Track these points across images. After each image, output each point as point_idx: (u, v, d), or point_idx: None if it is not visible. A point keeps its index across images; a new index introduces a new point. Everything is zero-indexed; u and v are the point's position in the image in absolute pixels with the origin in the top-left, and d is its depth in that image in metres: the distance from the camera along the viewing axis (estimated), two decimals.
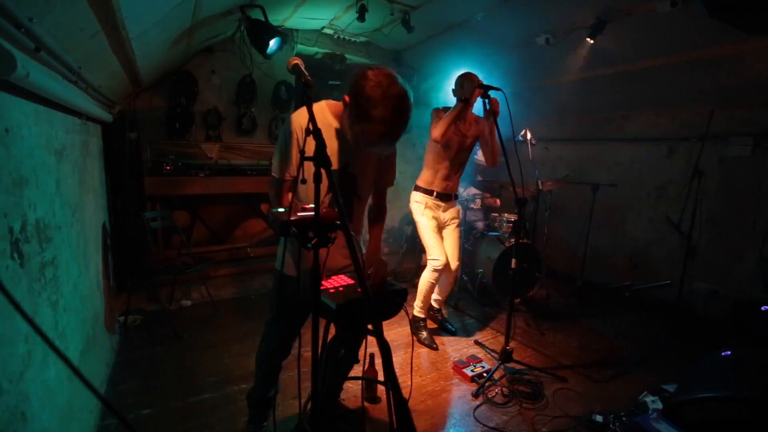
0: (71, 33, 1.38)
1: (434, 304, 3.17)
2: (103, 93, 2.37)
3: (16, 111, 1.16)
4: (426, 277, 2.85)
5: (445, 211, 2.90)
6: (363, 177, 1.62)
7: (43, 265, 1.30)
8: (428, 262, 2.83)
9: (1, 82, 0.97)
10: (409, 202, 2.98)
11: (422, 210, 2.86)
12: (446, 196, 2.87)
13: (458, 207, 3.00)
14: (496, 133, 2.44)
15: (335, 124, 1.52)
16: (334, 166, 1.51)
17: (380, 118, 1.31)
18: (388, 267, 1.70)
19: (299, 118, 1.47)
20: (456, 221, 2.94)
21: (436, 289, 3.05)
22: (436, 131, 2.58)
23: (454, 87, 2.71)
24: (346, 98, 1.39)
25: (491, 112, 2.44)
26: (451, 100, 2.74)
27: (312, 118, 1.09)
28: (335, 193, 1.03)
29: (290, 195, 1.55)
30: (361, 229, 1.78)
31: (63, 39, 1.33)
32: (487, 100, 2.43)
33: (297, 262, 1.54)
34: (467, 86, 2.50)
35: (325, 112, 1.52)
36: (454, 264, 2.90)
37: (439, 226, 2.90)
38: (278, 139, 1.54)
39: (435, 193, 2.84)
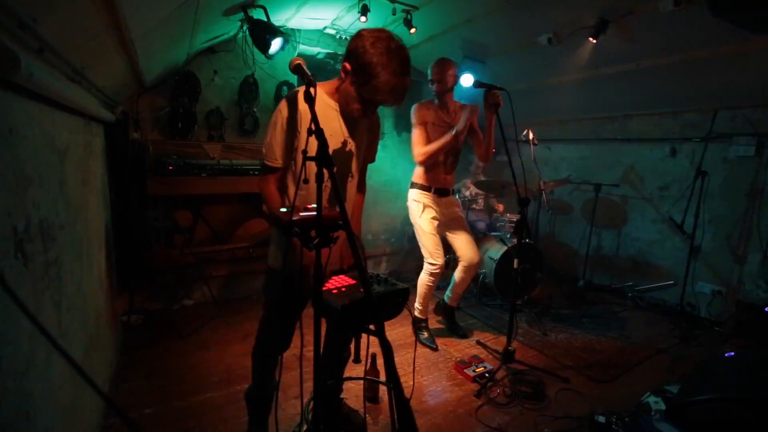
0: (75, 33, 1.39)
1: (448, 302, 3.05)
2: (106, 93, 2.38)
3: (20, 111, 1.17)
4: (423, 281, 2.79)
5: (445, 207, 2.79)
6: (358, 153, 1.64)
7: (47, 265, 1.31)
8: (425, 265, 2.77)
9: (4, 82, 0.98)
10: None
11: (420, 211, 2.74)
12: (444, 191, 2.78)
13: (457, 200, 2.87)
14: (497, 126, 2.42)
15: (332, 103, 1.53)
16: (336, 145, 1.54)
17: (390, 71, 1.32)
18: (362, 243, 1.73)
19: (285, 104, 1.49)
20: (459, 213, 2.83)
21: (451, 286, 2.96)
22: (420, 155, 2.59)
23: (431, 77, 2.68)
24: (347, 65, 1.39)
25: (493, 104, 2.38)
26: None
27: (314, 118, 1.08)
28: (336, 192, 1.03)
29: (291, 192, 1.55)
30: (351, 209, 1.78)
31: (66, 39, 1.34)
32: (488, 94, 2.39)
33: (293, 260, 1.54)
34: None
35: (320, 94, 1.50)
36: (476, 258, 2.79)
37: (442, 224, 2.79)
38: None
39: (433, 189, 2.74)
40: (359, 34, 1.37)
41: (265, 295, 1.74)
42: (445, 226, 2.82)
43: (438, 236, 2.77)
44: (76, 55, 1.50)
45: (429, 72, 2.70)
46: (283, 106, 1.50)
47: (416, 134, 2.63)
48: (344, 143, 1.56)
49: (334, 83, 1.51)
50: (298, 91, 1.50)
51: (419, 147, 2.61)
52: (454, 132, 2.51)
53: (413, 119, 2.68)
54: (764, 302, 3.01)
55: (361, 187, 1.83)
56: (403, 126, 4.43)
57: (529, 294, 3.57)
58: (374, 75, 1.32)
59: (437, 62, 2.68)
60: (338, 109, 1.53)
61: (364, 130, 1.66)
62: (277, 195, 1.55)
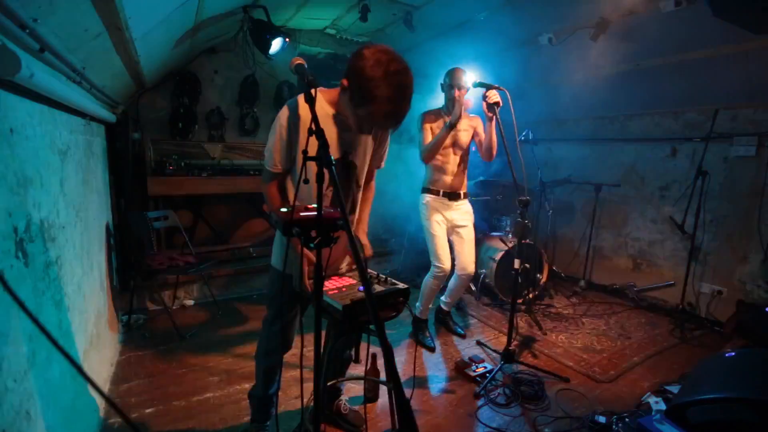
0: (75, 34, 1.39)
1: (443, 307, 3.11)
2: (107, 93, 2.38)
3: (21, 111, 1.17)
4: (428, 283, 2.79)
5: (455, 210, 2.77)
6: (362, 163, 1.61)
7: (48, 265, 1.31)
8: (431, 267, 2.77)
9: (5, 82, 0.98)
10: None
11: (429, 213, 2.75)
12: (454, 195, 2.76)
13: (469, 206, 2.85)
14: (496, 125, 2.42)
15: (331, 111, 1.50)
16: (335, 155, 1.50)
17: (385, 97, 1.27)
18: (371, 251, 1.69)
19: (286, 111, 1.47)
20: (468, 222, 2.81)
21: (446, 292, 3.00)
22: (423, 152, 2.62)
23: (442, 82, 2.67)
24: (344, 82, 1.35)
25: (493, 104, 2.36)
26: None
27: (315, 118, 1.08)
28: (337, 191, 1.03)
29: (291, 193, 1.55)
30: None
31: (67, 40, 1.34)
32: (487, 94, 2.38)
33: (294, 260, 1.55)
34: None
35: (320, 101, 1.48)
36: (470, 268, 2.78)
37: (449, 228, 2.79)
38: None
39: (441, 193, 2.75)
40: (360, 54, 1.30)
41: (268, 294, 1.75)
42: (451, 230, 2.81)
43: (445, 239, 2.77)
44: (76, 55, 1.50)
45: (448, 78, 2.64)
46: (282, 114, 1.48)
47: (422, 137, 2.68)
48: (343, 153, 1.53)
49: (336, 92, 1.48)
50: (300, 96, 1.49)
51: (423, 146, 2.65)
52: (448, 124, 2.50)
53: (418, 125, 2.70)
54: (764, 302, 3.01)
55: (368, 195, 1.80)
56: (405, 127, 4.43)
57: (530, 294, 3.58)
58: (370, 99, 1.28)
59: (457, 69, 2.62)
60: (336, 117, 1.50)
61: (370, 138, 1.61)
62: (278, 196, 1.56)
